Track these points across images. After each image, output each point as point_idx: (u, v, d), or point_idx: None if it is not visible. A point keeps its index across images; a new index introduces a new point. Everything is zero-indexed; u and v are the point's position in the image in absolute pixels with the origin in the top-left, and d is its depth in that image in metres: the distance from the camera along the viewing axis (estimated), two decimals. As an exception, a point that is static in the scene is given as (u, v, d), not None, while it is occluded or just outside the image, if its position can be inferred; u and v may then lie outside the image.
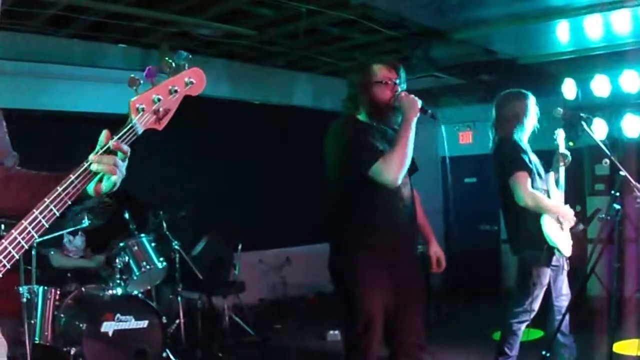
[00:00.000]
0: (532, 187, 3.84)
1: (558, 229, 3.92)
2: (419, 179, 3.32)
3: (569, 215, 3.99)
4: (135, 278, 4.94)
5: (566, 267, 4.05)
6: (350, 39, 6.34)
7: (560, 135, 4.15)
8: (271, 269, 7.65)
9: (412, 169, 3.17)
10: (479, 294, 6.62)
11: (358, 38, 6.29)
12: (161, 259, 5.18)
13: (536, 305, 3.95)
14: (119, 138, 1.55)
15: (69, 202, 1.50)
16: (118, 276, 4.82)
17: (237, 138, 7.34)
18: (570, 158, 4.17)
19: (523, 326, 3.98)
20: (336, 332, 5.97)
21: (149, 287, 5.28)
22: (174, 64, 1.64)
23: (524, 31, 5.50)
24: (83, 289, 4.77)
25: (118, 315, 4.48)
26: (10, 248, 1.42)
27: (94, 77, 6.03)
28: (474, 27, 5.59)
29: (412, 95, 3.09)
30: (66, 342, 4.42)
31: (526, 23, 5.28)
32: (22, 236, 1.44)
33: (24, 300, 4.18)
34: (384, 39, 6.24)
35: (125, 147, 1.55)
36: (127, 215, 5.24)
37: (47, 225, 1.48)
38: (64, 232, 5.02)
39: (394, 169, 2.97)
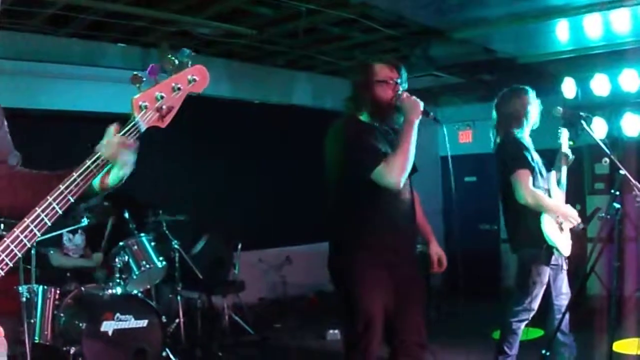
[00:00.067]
0: (534, 185, 3.84)
1: (557, 229, 3.92)
2: (418, 179, 3.31)
3: (570, 214, 3.98)
4: (134, 277, 4.94)
5: (565, 267, 4.05)
6: (350, 38, 6.34)
7: (563, 134, 4.15)
8: (271, 268, 7.65)
9: (412, 170, 3.17)
10: (479, 293, 6.61)
11: (357, 37, 6.29)
12: (161, 258, 5.18)
13: (536, 304, 3.95)
14: (122, 135, 1.55)
15: (72, 200, 1.50)
16: (118, 275, 4.82)
17: (237, 137, 7.34)
18: (572, 158, 4.17)
19: (523, 325, 3.98)
20: (336, 331, 5.97)
21: (148, 287, 5.28)
22: (176, 62, 1.64)
23: (523, 30, 5.50)
24: (83, 288, 4.77)
25: (118, 314, 4.48)
26: (12, 246, 1.42)
27: (94, 76, 6.03)
28: (474, 26, 5.59)
29: (414, 97, 3.08)
30: (66, 342, 4.42)
31: (526, 22, 5.28)
32: (24, 234, 1.44)
33: (24, 299, 4.18)
34: (384, 38, 6.24)
35: (131, 141, 1.55)
36: (126, 215, 5.24)
37: (49, 224, 1.47)
38: (64, 231, 5.02)
39: (396, 173, 2.96)
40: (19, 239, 1.43)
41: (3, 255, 1.41)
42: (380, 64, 3.19)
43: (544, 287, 3.95)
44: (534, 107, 4.01)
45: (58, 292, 4.59)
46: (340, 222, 3.21)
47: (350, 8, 5.29)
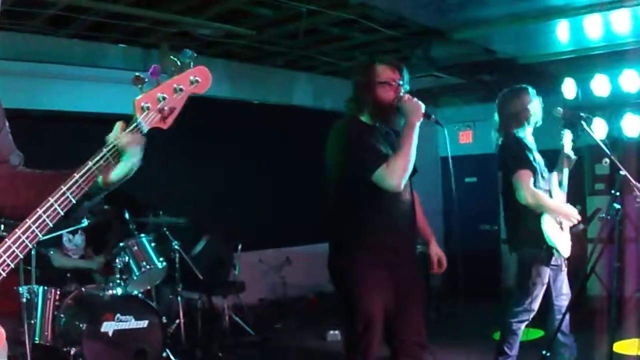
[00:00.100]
0: (534, 186, 3.84)
1: (558, 229, 3.92)
2: (418, 179, 3.31)
3: (571, 213, 3.98)
4: (135, 278, 4.94)
5: (565, 267, 4.05)
6: (350, 38, 6.34)
7: (566, 136, 4.15)
8: (271, 268, 7.65)
9: (413, 171, 3.17)
10: (479, 294, 6.61)
11: (358, 37, 6.29)
12: (161, 258, 5.17)
13: (536, 305, 3.95)
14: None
15: (74, 201, 1.50)
16: (118, 276, 4.82)
17: (237, 138, 7.34)
18: (574, 159, 4.17)
19: (523, 326, 3.98)
20: (336, 332, 5.97)
21: (149, 287, 5.28)
22: (179, 63, 1.63)
23: (523, 31, 5.50)
24: (83, 289, 4.76)
25: (118, 315, 4.48)
26: (14, 247, 1.42)
27: (94, 77, 6.03)
28: (474, 27, 5.59)
29: (416, 99, 3.08)
30: (66, 342, 4.42)
31: (526, 23, 5.28)
32: (26, 235, 1.43)
33: (24, 300, 4.18)
34: (384, 39, 6.24)
35: (139, 135, 1.55)
36: (127, 215, 5.24)
37: (51, 225, 1.47)
38: (64, 231, 5.02)
39: (397, 176, 2.96)
40: (21, 239, 1.43)
41: (5, 256, 1.41)
42: (382, 65, 3.19)
43: (544, 287, 3.95)
44: (535, 105, 4.01)
45: (58, 292, 4.59)
46: (341, 222, 3.21)
47: (350, 9, 5.29)
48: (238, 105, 7.34)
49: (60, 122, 5.99)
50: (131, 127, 1.55)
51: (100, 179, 1.55)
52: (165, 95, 1.59)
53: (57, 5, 5.03)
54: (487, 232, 8.77)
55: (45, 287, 4.50)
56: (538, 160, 3.97)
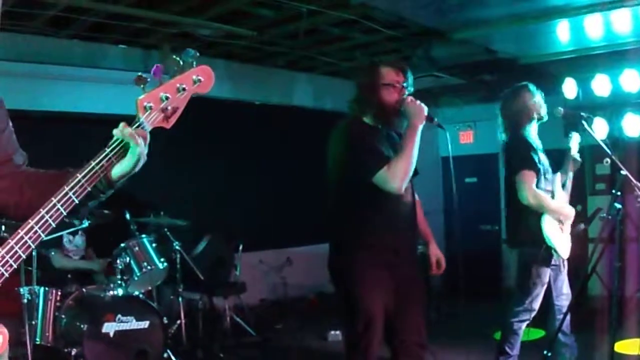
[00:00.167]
0: (537, 187, 3.85)
1: (558, 230, 3.93)
2: (419, 179, 3.32)
3: (570, 216, 3.99)
4: (136, 279, 4.94)
5: (565, 267, 4.05)
6: (351, 38, 6.34)
7: (574, 138, 4.16)
8: (272, 269, 7.65)
9: (414, 173, 3.17)
10: (479, 294, 6.60)
11: (358, 38, 6.29)
12: (162, 259, 5.18)
13: (536, 305, 3.95)
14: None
15: (77, 201, 1.50)
16: (119, 277, 4.82)
17: (238, 138, 7.34)
18: (579, 162, 4.18)
19: (523, 325, 3.98)
20: (337, 332, 5.97)
21: (150, 288, 5.27)
22: (181, 62, 1.63)
23: (524, 31, 5.50)
24: (84, 289, 4.76)
25: (119, 316, 4.48)
26: (16, 248, 1.42)
27: (95, 78, 6.03)
28: (475, 27, 5.59)
29: (419, 102, 3.08)
30: (67, 343, 4.42)
31: (526, 23, 5.28)
32: (28, 236, 1.43)
33: (25, 301, 4.18)
34: (385, 39, 6.24)
35: (143, 131, 1.55)
36: (128, 216, 5.24)
37: (54, 225, 1.47)
38: (64, 232, 5.02)
39: (399, 178, 2.97)
40: (23, 240, 1.43)
41: (7, 257, 1.41)
42: (387, 67, 3.19)
43: (545, 287, 3.95)
44: (538, 102, 4.01)
45: (59, 293, 4.59)
46: (341, 222, 3.22)
47: (350, 9, 5.29)
48: (239, 105, 7.34)
49: (61, 123, 5.99)
50: (134, 127, 1.55)
51: (103, 178, 1.55)
52: (168, 95, 1.59)
53: (57, 6, 5.03)
54: (488, 232, 8.77)
55: (46, 288, 4.50)
56: (543, 161, 3.97)
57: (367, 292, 3.04)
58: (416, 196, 3.31)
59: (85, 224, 4.78)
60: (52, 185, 1.50)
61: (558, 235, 3.91)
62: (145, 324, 4.59)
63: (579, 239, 4.13)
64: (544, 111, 4.02)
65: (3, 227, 3.88)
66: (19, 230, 1.43)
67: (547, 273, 3.93)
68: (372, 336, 3.04)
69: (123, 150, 1.54)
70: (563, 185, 4.11)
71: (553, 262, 3.92)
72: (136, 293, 4.84)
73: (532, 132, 4.00)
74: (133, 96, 1.57)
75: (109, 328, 4.43)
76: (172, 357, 4.85)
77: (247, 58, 7.11)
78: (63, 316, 4.56)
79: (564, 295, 4.05)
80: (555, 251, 3.87)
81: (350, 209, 3.16)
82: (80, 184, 1.49)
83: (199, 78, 1.65)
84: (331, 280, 3.26)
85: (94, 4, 5.05)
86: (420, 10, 5.22)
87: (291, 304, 7.47)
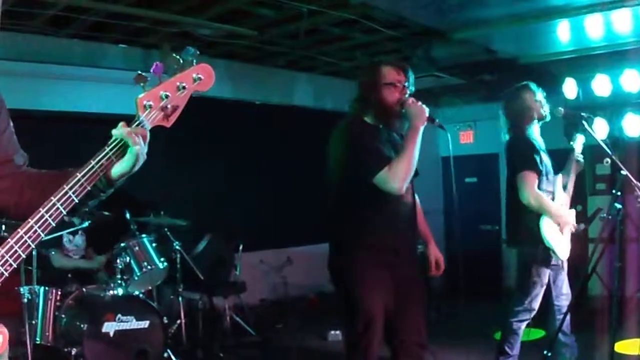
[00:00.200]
0: (539, 187, 3.85)
1: (556, 232, 3.92)
2: (419, 179, 3.32)
3: (567, 222, 3.98)
4: (136, 278, 4.94)
5: (565, 267, 4.05)
6: (351, 38, 6.33)
7: (579, 140, 4.15)
8: (272, 269, 7.65)
9: (414, 174, 3.17)
10: (479, 294, 6.60)
11: (358, 38, 6.29)
12: (162, 259, 5.18)
13: (536, 304, 3.95)
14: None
15: (76, 201, 1.49)
16: (119, 276, 4.82)
17: (238, 138, 7.34)
18: (583, 164, 4.18)
19: (523, 325, 3.98)
20: (337, 332, 5.97)
21: (150, 288, 5.28)
22: (181, 60, 1.63)
23: (524, 31, 5.50)
24: (84, 289, 4.76)
25: (119, 315, 4.48)
26: (16, 247, 1.42)
27: (95, 78, 6.02)
28: (475, 27, 5.59)
29: (420, 103, 3.09)
30: (67, 343, 4.42)
31: (527, 23, 5.28)
32: (28, 235, 1.43)
33: (25, 300, 4.18)
34: (385, 39, 6.23)
35: (143, 130, 1.54)
36: (128, 216, 5.24)
37: (53, 224, 1.47)
38: (64, 232, 5.02)
39: (400, 178, 2.97)
40: (23, 239, 1.43)
41: (7, 257, 1.41)
42: (388, 66, 3.19)
43: (544, 287, 3.95)
44: (539, 102, 4.01)
45: (59, 293, 4.59)
46: (341, 222, 3.22)
47: (351, 9, 5.29)
48: (239, 105, 7.34)
49: (61, 123, 5.98)
50: (134, 126, 1.55)
51: (103, 177, 1.55)
52: (168, 93, 1.58)
53: (57, 6, 5.03)
54: (488, 232, 8.77)
55: (46, 288, 4.50)
56: (545, 162, 3.97)
57: (367, 292, 3.04)
58: (416, 196, 3.31)
59: (86, 223, 4.79)
60: (52, 185, 1.50)
61: (557, 237, 3.91)
62: (145, 324, 4.59)
63: (579, 239, 4.13)
64: (546, 110, 4.01)
65: (3, 227, 3.89)
66: (19, 230, 1.42)
67: (546, 273, 3.93)
68: (372, 336, 3.04)
69: (123, 149, 1.54)
70: (564, 187, 4.11)
71: (553, 262, 3.92)
72: (136, 293, 4.84)
73: (534, 131, 4.00)
74: (133, 96, 1.56)
75: (109, 328, 4.43)
76: (172, 357, 4.85)
77: (248, 58, 7.10)
78: (63, 316, 4.56)
79: (563, 296, 4.05)
80: (554, 252, 3.88)
81: (350, 209, 3.16)
82: (80, 183, 1.49)
83: (199, 76, 1.64)
84: (331, 280, 3.26)
85: (94, 3, 5.04)
86: (421, 10, 5.22)
87: (291, 303, 7.46)
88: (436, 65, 6.38)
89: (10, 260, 1.41)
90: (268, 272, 7.62)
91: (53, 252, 5.05)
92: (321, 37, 6.32)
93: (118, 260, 4.88)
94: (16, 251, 1.42)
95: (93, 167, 1.51)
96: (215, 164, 7.12)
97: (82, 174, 1.50)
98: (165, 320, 4.77)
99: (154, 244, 5.19)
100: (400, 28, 5.87)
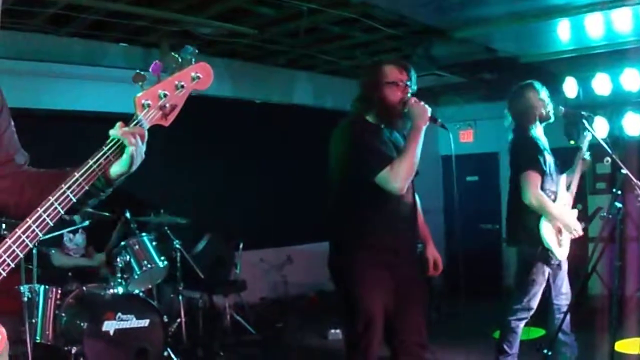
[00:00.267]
0: (542, 187, 3.84)
1: (556, 233, 3.92)
2: (419, 178, 3.31)
3: (570, 225, 3.97)
4: (136, 277, 4.94)
5: (564, 266, 4.05)
6: (351, 37, 6.33)
7: (587, 138, 4.14)
8: (272, 267, 7.65)
9: (415, 173, 3.17)
10: (479, 293, 6.61)
11: (359, 36, 6.29)
12: (162, 257, 5.17)
13: (534, 303, 3.95)
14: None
15: (74, 200, 1.49)
16: (119, 275, 4.81)
17: (238, 136, 7.34)
18: (589, 161, 4.17)
19: (522, 324, 3.98)
20: (337, 330, 5.97)
21: (150, 286, 5.28)
22: (179, 59, 1.62)
23: (525, 30, 5.49)
24: (84, 288, 4.76)
25: (119, 314, 4.47)
26: (14, 247, 1.41)
27: (95, 76, 6.03)
28: (475, 26, 5.58)
29: (423, 103, 3.08)
30: (67, 341, 4.42)
31: (527, 21, 5.27)
32: (26, 235, 1.43)
33: (25, 299, 4.18)
34: (385, 38, 6.23)
35: (141, 129, 1.54)
36: (128, 215, 5.23)
37: (51, 224, 1.46)
38: (64, 231, 5.02)
39: (401, 178, 2.97)
40: (21, 239, 1.42)
41: (5, 256, 1.40)
42: (390, 65, 3.19)
43: (543, 286, 3.96)
44: (544, 100, 4.00)
45: (59, 291, 4.59)
46: (341, 221, 3.21)
47: (351, 7, 5.29)
48: (239, 104, 7.34)
49: (61, 121, 5.99)
50: (132, 125, 1.55)
51: (101, 176, 1.55)
52: (166, 92, 1.58)
53: (57, 4, 5.03)
54: (488, 231, 8.77)
55: (47, 286, 4.49)
56: (549, 161, 3.96)
57: (367, 292, 3.04)
58: (416, 196, 3.31)
59: (86, 222, 4.78)
60: (52, 184, 1.50)
61: (555, 238, 3.91)
62: (145, 323, 4.59)
63: (579, 239, 4.12)
64: (550, 109, 4.01)
65: (3, 225, 3.89)
66: (17, 230, 1.42)
67: (545, 272, 3.93)
68: (372, 336, 3.04)
69: (120, 149, 1.54)
70: (568, 187, 4.10)
71: (552, 261, 3.92)
72: (136, 291, 4.84)
73: (538, 130, 4.00)
74: (134, 94, 1.56)
75: (109, 326, 4.43)
76: (172, 356, 4.85)
77: (248, 56, 7.10)
78: (63, 314, 4.56)
79: (563, 295, 4.05)
80: (552, 252, 3.88)
81: (350, 208, 3.16)
82: (78, 183, 1.49)
83: (197, 75, 1.64)
84: (331, 279, 3.26)
85: (94, 2, 5.04)
86: (421, 8, 5.21)
87: (291, 302, 7.47)
88: (436, 64, 6.38)
89: (8, 260, 1.41)
90: (268, 270, 7.62)
91: (53, 251, 5.05)
92: (321, 36, 6.31)
93: (118, 259, 4.87)
94: (14, 251, 1.41)
95: (91, 166, 1.51)
96: (216, 162, 7.12)
97: (80, 173, 1.50)
98: (165, 319, 4.77)
99: (154, 243, 5.18)
100: (401, 27, 5.87)
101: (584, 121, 3.95)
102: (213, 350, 5.54)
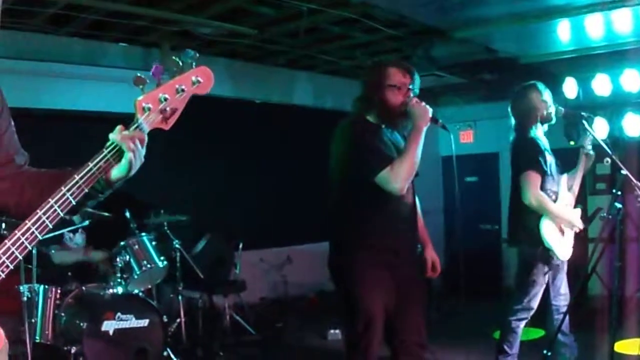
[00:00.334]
0: (543, 188, 3.84)
1: (556, 233, 3.92)
2: (419, 178, 3.31)
3: (572, 220, 3.97)
4: (136, 277, 4.94)
5: (564, 267, 4.05)
6: (351, 37, 6.33)
7: (588, 138, 4.14)
8: (272, 267, 7.65)
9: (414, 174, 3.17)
10: (479, 293, 6.62)
11: (359, 37, 6.29)
12: (162, 257, 5.17)
13: (534, 303, 3.95)
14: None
15: (74, 202, 1.49)
16: (119, 275, 4.81)
17: (238, 136, 7.34)
18: (593, 156, 4.17)
19: (522, 324, 3.99)
20: (337, 331, 5.97)
21: (149, 286, 5.28)
22: (180, 63, 1.62)
23: (525, 30, 5.50)
24: (84, 287, 4.76)
25: (119, 314, 4.47)
26: (13, 248, 1.41)
27: (95, 76, 6.02)
28: (475, 26, 5.58)
29: (424, 104, 3.08)
30: (67, 341, 4.42)
31: (527, 22, 5.28)
32: (25, 236, 1.43)
33: (25, 299, 4.17)
34: (385, 38, 6.23)
35: (141, 133, 1.54)
36: (128, 214, 5.23)
37: (51, 226, 1.46)
38: (64, 230, 5.01)
39: (401, 178, 2.97)
40: (20, 240, 1.42)
41: (4, 258, 1.40)
42: (394, 67, 3.18)
43: (543, 286, 3.96)
44: (546, 101, 4.00)
45: (59, 291, 4.58)
46: (341, 221, 3.21)
47: (351, 8, 5.29)
48: (239, 104, 7.33)
49: (61, 121, 5.98)
50: (132, 128, 1.55)
51: (101, 179, 1.55)
52: (167, 96, 1.58)
53: (57, 4, 5.03)
54: (488, 232, 8.77)
55: (46, 286, 4.49)
56: (550, 162, 3.96)
57: (367, 292, 3.04)
58: (416, 197, 3.31)
59: (86, 222, 4.78)
60: (52, 184, 1.50)
61: (556, 238, 3.91)
62: (145, 322, 4.59)
63: (579, 239, 4.13)
64: (552, 111, 4.01)
65: (3, 225, 3.89)
66: (16, 231, 1.42)
67: (546, 272, 3.93)
68: (372, 336, 3.04)
69: (120, 152, 1.54)
70: (570, 187, 4.09)
71: (554, 262, 3.92)
72: (136, 291, 4.84)
73: (539, 131, 4.00)
74: (133, 94, 1.56)
75: (109, 326, 4.43)
76: (172, 356, 4.85)
77: (248, 56, 7.10)
78: (63, 314, 4.56)
79: (561, 296, 4.05)
80: (553, 253, 3.88)
81: (351, 208, 3.16)
82: (77, 185, 1.49)
83: (198, 79, 1.64)
84: (331, 279, 3.26)
85: (94, 1, 5.04)
86: (421, 8, 5.21)
87: (291, 302, 7.47)
88: (436, 65, 6.38)
89: (7, 262, 1.40)
90: (268, 270, 7.62)
91: (53, 251, 5.05)
92: (321, 36, 6.31)
93: (118, 259, 4.88)
94: (13, 252, 1.41)
95: (91, 169, 1.51)
96: (216, 162, 7.12)
97: (80, 176, 1.50)
98: (165, 318, 4.77)
99: (153, 243, 5.18)
100: (401, 27, 5.87)
101: (584, 122, 3.95)
102: (213, 351, 5.54)
